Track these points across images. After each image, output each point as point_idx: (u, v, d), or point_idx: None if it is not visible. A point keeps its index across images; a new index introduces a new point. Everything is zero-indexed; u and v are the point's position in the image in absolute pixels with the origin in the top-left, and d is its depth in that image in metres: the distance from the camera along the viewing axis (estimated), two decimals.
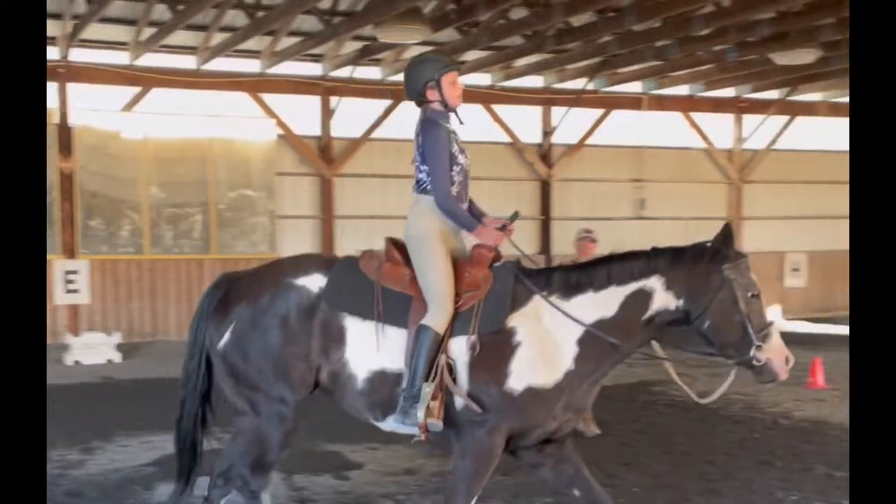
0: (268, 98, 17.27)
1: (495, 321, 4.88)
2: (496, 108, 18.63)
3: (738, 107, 20.28)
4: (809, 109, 20.69)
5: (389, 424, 5.07)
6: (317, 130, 17.88)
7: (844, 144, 22.73)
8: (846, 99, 20.63)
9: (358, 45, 16.23)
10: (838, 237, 21.08)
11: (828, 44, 14.49)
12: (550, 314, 4.93)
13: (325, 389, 5.12)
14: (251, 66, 16.93)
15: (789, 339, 15.16)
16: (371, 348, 4.94)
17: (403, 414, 4.83)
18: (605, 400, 11.07)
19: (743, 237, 20.46)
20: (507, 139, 18.95)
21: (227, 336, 5.05)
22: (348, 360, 4.97)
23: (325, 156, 17.72)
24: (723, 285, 4.87)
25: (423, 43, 15.48)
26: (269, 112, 17.29)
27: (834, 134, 21.30)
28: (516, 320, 4.91)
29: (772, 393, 11.26)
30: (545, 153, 19.27)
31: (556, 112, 19.21)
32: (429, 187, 5.14)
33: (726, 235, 4.99)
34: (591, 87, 18.73)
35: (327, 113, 17.76)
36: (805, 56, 14.68)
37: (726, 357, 4.99)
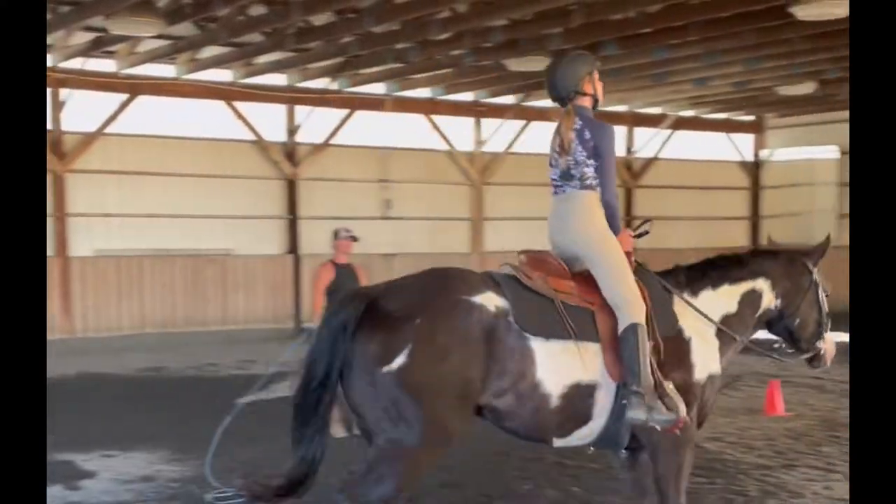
0: None
1: (671, 325, 5.13)
2: (239, 105, 18.31)
3: (477, 111, 20.98)
4: (543, 115, 21.69)
5: (573, 439, 5.08)
6: (47, 124, 16.89)
7: None
8: None
9: (90, 36, 15.47)
10: None
11: (556, 52, 15.28)
12: (692, 312, 5.29)
13: (494, 414, 4.95)
14: None
15: None
16: (562, 365, 4.84)
17: (648, 409, 4.82)
18: None
19: (484, 238, 21.24)
20: (251, 137, 18.68)
21: (403, 356, 4.54)
22: (541, 380, 4.80)
23: (56, 151, 16.75)
24: (811, 286, 5.59)
25: (159, 37, 14.98)
26: None
27: None
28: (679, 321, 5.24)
29: None
30: (290, 152, 19.16)
31: (301, 111, 19.14)
32: (594, 183, 5.13)
33: (825, 245, 5.73)
34: (334, 86, 18.79)
35: (58, 105, 16.82)
36: (536, 63, 15.40)
37: (799, 350, 5.70)
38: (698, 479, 7.37)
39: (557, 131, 5.19)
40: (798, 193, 24.31)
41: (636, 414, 4.84)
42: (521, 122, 21.39)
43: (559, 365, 4.84)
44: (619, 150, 23.20)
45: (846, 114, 22.39)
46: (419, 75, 18.33)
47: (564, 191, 5.19)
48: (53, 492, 7.04)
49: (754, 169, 25.15)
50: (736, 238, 25.00)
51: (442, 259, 16.19)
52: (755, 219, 25.20)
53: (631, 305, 4.91)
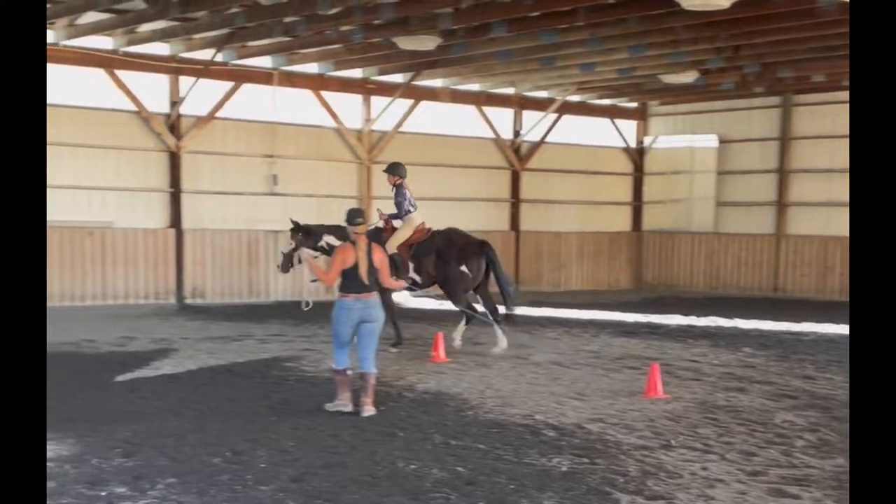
0: None
1: None
2: (120, 73, 17.70)
3: (366, 88, 20.80)
4: (432, 95, 21.69)
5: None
6: None
7: (465, 130, 23.88)
8: (466, 87, 21.91)
9: None
10: (458, 217, 22.42)
11: (447, 32, 15.26)
12: None
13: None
14: None
15: (418, 314, 15.84)
16: None
17: None
18: (234, 377, 10.98)
19: (372, 215, 21.08)
20: (132, 107, 18.09)
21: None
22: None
23: None
24: None
25: None
26: None
27: (454, 119, 22.54)
28: None
29: (398, 367, 11.72)
30: (174, 124, 18.64)
31: (185, 82, 18.60)
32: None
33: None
34: (220, 58, 18.30)
35: None
36: (426, 42, 15.34)
37: None
38: (581, 460, 7.49)
39: (406, 188, 13.00)
40: (679, 180, 24.96)
41: None
42: (410, 102, 21.31)
43: None
44: (507, 133, 23.41)
45: (725, 103, 23.18)
46: (308, 50, 18.08)
47: (412, 212, 12.86)
48: None
49: (637, 155, 25.70)
50: (619, 223, 25.55)
51: None
52: (637, 204, 25.76)
53: None
